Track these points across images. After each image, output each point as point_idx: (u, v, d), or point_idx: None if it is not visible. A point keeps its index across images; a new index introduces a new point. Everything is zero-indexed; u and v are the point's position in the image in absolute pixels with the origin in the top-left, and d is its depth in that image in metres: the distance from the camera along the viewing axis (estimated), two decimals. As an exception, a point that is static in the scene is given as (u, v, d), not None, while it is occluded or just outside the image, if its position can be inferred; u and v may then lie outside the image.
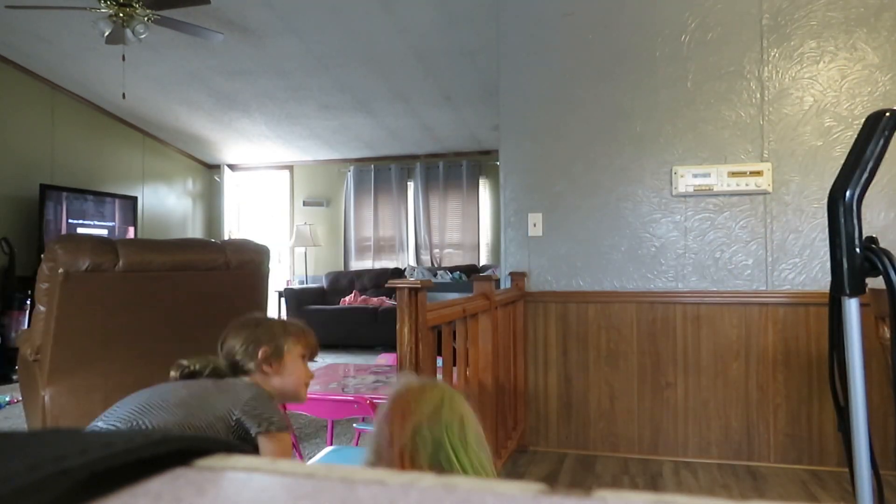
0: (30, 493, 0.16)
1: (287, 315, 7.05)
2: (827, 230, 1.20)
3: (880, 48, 2.80)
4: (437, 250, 7.91)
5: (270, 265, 3.12)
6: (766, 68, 2.91)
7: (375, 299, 7.05)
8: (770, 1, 2.90)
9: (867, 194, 1.21)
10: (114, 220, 6.48)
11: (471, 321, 2.20)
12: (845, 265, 1.18)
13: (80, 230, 5.99)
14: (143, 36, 4.15)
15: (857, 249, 1.18)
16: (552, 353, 3.10)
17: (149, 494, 0.19)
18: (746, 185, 2.89)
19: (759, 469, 2.80)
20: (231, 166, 8.50)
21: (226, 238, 8.12)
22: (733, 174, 2.91)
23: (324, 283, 7.54)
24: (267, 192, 8.59)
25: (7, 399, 4.19)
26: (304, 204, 8.32)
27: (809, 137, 2.86)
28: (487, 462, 0.99)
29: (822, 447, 2.79)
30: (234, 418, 1.29)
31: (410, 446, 0.93)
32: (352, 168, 8.10)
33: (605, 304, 3.04)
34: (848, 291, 1.19)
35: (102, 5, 4.00)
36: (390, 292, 7.05)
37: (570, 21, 3.13)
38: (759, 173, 2.89)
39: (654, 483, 2.66)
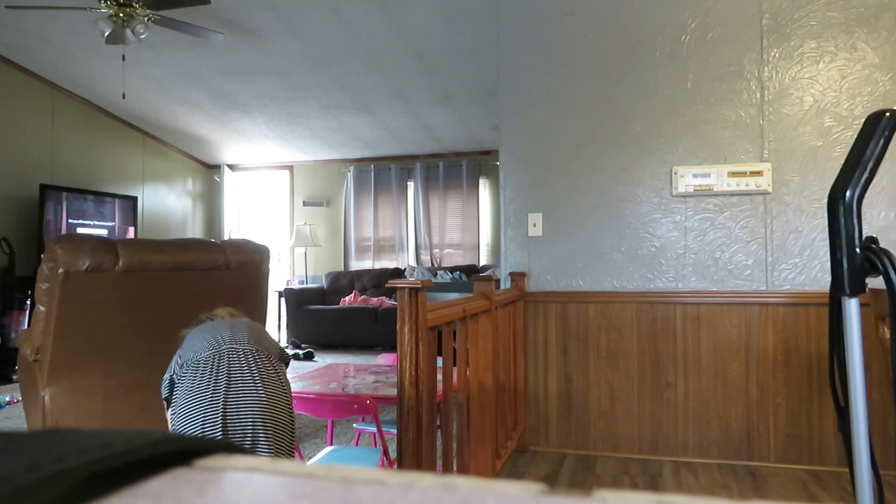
0: (30, 493, 0.16)
1: (287, 314, 7.06)
2: (827, 230, 1.20)
3: (880, 48, 2.80)
4: (437, 250, 7.92)
5: (270, 265, 3.12)
6: (766, 68, 2.91)
7: (375, 299, 7.05)
8: (770, 1, 2.90)
9: (867, 194, 1.21)
10: (114, 220, 6.48)
11: (471, 321, 2.20)
12: (845, 265, 1.18)
13: (80, 230, 5.99)
14: (143, 36, 4.15)
15: (857, 249, 1.18)
16: (552, 353, 3.10)
17: (149, 494, 0.19)
18: (746, 185, 2.90)
19: (759, 469, 2.80)
20: (231, 166, 8.50)
21: (226, 238, 8.12)
22: (733, 174, 2.91)
23: (324, 283, 7.54)
24: (267, 192, 8.59)
25: (7, 399, 4.19)
26: (304, 204, 8.32)
27: (809, 137, 2.86)
28: None
29: (822, 447, 2.79)
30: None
31: None
32: (352, 168, 8.11)
33: (605, 304, 3.04)
34: (848, 291, 1.19)
35: (102, 5, 4.00)
36: (390, 292, 7.05)
37: (571, 21, 3.13)
38: (759, 173, 2.89)
39: (654, 483, 2.66)
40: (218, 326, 1.71)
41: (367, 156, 8.04)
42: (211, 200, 8.55)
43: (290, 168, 8.41)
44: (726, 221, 2.94)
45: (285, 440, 1.52)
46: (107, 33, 4.13)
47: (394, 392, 2.26)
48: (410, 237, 8.03)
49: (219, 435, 1.43)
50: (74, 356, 2.40)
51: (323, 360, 6.03)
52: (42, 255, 2.44)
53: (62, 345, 2.37)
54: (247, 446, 1.46)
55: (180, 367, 1.61)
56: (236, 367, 1.55)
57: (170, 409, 1.62)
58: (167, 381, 1.67)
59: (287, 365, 1.77)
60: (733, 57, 2.94)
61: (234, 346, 1.60)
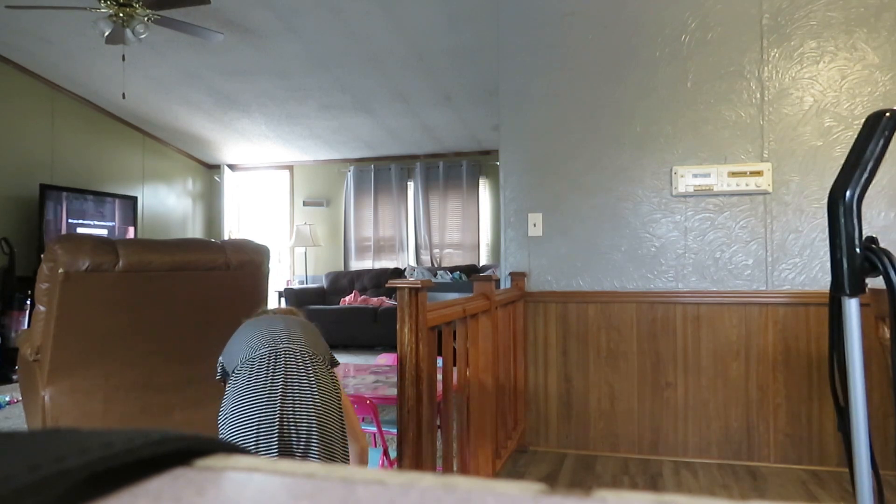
0: (30, 493, 0.16)
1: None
2: (827, 230, 1.20)
3: (880, 48, 2.80)
4: (437, 250, 7.92)
5: (270, 265, 3.12)
6: (766, 68, 2.91)
7: (375, 299, 7.05)
8: (770, 1, 2.90)
9: (867, 194, 1.21)
10: (114, 220, 6.48)
11: (471, 321, 2.20)
12: (845, 265, 1.18)
13: (80, 230, 5.99)
14: (143, 36, 4.15)
15: (857, 249, 1.17)
16: (552, 353, 3.10)
17: (149, 494, 0.19)
18: (746, 185, 2.90)
19: (759, 469, 2.80)
20: (231, 166, 8.50)
21: (226, 238, 8.12)
22: (733, 174, 2.91)
23: (324, 283, 7.54)
24: (267, 192, 8.59)
25: (7, 399, 4.19)
26: (304, 204, 8.32)
27: (809, 137, 2.86)
28: None
29: (822, 447, 2.79)
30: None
31: None
32: (352, 168, 8.10)
33: (605, 304, 3.04)
34: (848, 291, 1.19)
35: (102, 5, 4.00)
36: (390, 292, 7.05)
37: (571, 21, 3.13)
38: (759, 173, 2.89)
39: (654, 483, 2.66)
40: (273, 323, 1.69)
41: (367, 156, 8.04)
42: (211, 200, 8.55)
43: (290, 168, 8.41)
44: (726, 221, 2.94)
45: (338, 447, 1.49)
46: (107, 33, 4.13)
47: (394, 392, 2.25)
48: (410, 237, 8.03)
49: (275, 439, 1.40)
50: (74, 356, 2.40)
51: (323, 360, 6.03)
52: (42, 255, 2.44)
53: (62, 345, 2.37)
54: (299, 451, 1.42)
55: (240, 363, 1.57)
56: (293, 368, 1.51)
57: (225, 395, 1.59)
58: (219, 366, 1.67)
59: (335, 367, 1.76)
60: (733, 57, 2.94)
61: (291, 346, 1.57)
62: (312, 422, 1.45)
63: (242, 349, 1.60)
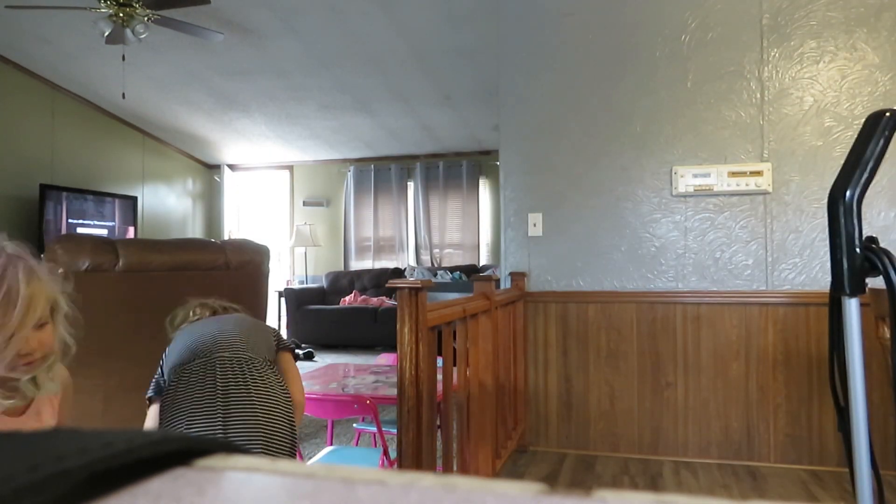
0: (30, 493, 0.16)
1: (287, 314, 7.05)
2: (827, 230, 1.20)
3: (880, 48, 2.80)
4: (437, 250, 7.92)
5: (270, 265, 3.12)
6: (766, 68, 2.91)
7: (375, 299, 7.05)
8: (770, 1, 2.90)
9: (867, 194, 1.20)
10: (114, 220, 6.48)
11: (471, 321, 2.20)
12: (845, 265, 1.18)
13: (80, 230, 5.99)
14: (143, 36, 4.15)
15: (857, 249, 1.17)
16: (552, 353, 3.10)
17: (149, 494, 0.19)
18: (746, 185, 2.90)
19: (759, 469, 2.80)
20: (231, 166, 8.50)
21: (226, 238, 8.11)
22: (733, 174, 2.91)
23: (324, 283, 7.54)
24: (267, 192, 8.59)
25: (7, 399, 4.18)
26: (304, 204, 8.32)
27: (809, 137, 2.86)
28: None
29: (822, 447, 2.79)
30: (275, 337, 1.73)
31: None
32: (352, 168, 8.10)
33: (605, 304, 3.04)
34: (848, 291, 1.19)
35: (102, 5, 4.00)
36: (390, 292, 7.05)
37: (570, 21, 3.13)
38: (759, 173, 2.89)
39: (654, 483, 2.66)
40: (206, 329, 1.63)
41: (367, 156, 8.04)
42: (211, 200, 8.55)
43: (290, 168, 8.40)
44: (726, 221, 2.94)
45: (286, 445, 1.48)
46: (107, 33, 4.13)
47: (394, 392, 2.25)
48: (410, 237, 8.03)
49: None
50: (74, 356, 2.40)
51: (323, 360, 6.03)
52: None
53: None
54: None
55: (170, 372, 1.52)
56: (230, 378, 1.47)
57: (151, 410, 1.54)
58: (154, 383, 1.59)
59: (292, 353, 1.73)
60: (733, 57, 2.94)
61: (223, 353, 1.53)
62: (258, 435, 1.42)
63: (174, 359, 1.55)
